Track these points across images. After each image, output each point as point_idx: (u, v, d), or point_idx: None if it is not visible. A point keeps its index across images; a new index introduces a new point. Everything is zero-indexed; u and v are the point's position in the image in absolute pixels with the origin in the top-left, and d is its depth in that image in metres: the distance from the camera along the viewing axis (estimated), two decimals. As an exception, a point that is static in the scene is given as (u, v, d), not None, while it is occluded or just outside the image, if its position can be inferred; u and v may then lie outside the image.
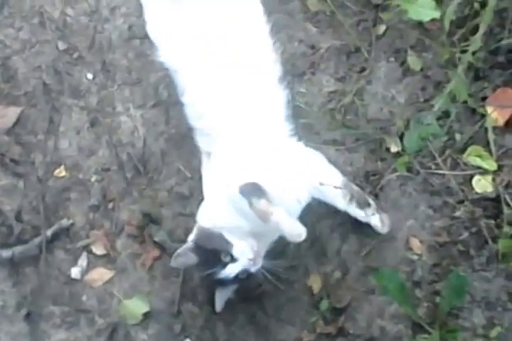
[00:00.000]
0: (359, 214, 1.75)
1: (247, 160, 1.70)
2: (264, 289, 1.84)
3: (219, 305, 1.79)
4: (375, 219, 1.75)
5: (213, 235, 1.68)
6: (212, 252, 1.66)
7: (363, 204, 1.73)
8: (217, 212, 1.70)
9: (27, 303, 1.91)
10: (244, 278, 1.71)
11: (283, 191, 1.66)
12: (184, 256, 1.69)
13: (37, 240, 1.94)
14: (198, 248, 1.68)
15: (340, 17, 1.86)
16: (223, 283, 1.71)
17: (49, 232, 1.94)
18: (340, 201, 1.72)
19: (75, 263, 1.95)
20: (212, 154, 1.75)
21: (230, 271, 1.66)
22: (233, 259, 1.66)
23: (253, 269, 1.68)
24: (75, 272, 1.94)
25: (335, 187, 1.69)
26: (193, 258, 1.68)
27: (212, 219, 1.71)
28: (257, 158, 1.70)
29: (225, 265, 1.66)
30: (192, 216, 1.88)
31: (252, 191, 1.60)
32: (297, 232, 1.57)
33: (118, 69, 1.99)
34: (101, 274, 1.94)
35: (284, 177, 1.69)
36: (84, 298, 1.93)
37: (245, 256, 1.66)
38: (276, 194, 1.62)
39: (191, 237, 1.72)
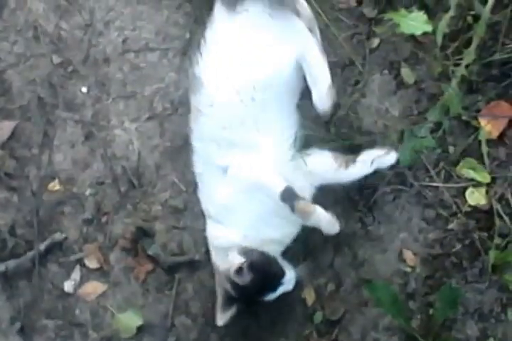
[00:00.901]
0: None
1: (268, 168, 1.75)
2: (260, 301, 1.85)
3: (224, 320, 1.81)
4: None
5: (270, 259, 1.75)
6: (268, 275, 1.73)
7: None
8: (252, 229, 1.77)
9: (20, 317, 1.95)
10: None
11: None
12: (244, 274, 1.73)
13: (30, 254, 1.98)
14: (254, 269, 1.72)
15: (334, 30, 1.90)
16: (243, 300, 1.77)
17: (42, 246, 1.98)
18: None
19: (68, 276, 1.99)
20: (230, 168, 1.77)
21: (277, 293, 1.75)
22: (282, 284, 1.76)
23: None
24: (68, 286, 1.98)
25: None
26: (247, 277, 1.73)
27: (250, 236, 1.77)
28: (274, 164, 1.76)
29: (275, 289, 1.74)
30: (186, 229, 1.95)
31: (291, 195, 1.70)
32: (334, 224, 1.75)
33: (112, 82, 2.03)
34: (94, 288, 1.98)
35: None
36: (77, 311, 1.97)
37: (291, 283, 1.77)
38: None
39: (236, 258, 1.75)
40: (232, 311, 1.80)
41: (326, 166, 1.80)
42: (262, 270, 1.72)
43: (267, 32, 1.70)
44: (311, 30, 1.76)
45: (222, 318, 1.80)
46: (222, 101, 1.71)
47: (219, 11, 1.74)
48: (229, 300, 1.79)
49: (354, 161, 1.78)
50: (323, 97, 1.75)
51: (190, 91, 1.79)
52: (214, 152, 1.75)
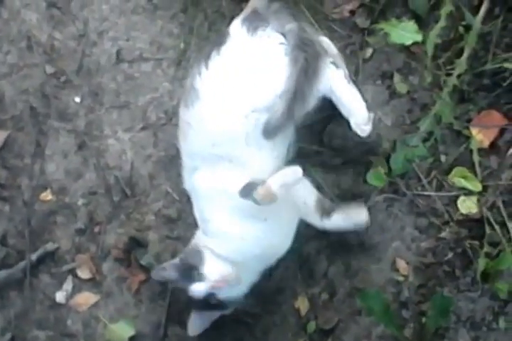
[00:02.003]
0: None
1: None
2: (251, 311, 1.93)
3: (192, 329, 1.87)
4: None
5: (194, 251, 1.78)
6: (190, 268, 1.76)
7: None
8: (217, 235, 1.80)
9: (11, 328, 2.00)
10: (221, 306, 1.80)
11: None
12: (168, 270, 1.79)
13: (22, 264, 2.03)
14: (182, 264, 1.78)
15: (328, 41, 1.98)
16: (198, 305, 1.80)
17: (34, 256, 2.02)
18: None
19: (60, 287, 2.04)
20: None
21: (196, 288, 1.75)
22: (202, 278, 1.75)
23: (221, 295, 1.76)
24: (59, 296, 2.03)
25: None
26: (173, 275, 1.78)
27: (205, 238, 1.81)
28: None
29: (194, 281, 1.75)
30: (179, 239, 2.00)
31: (249, 188, 1.67)
32: (295, 173, 1.69)
33: (106, 92, 2.07)
34: (86, 298, 2.02)
35: None
36: (69, 322, 2.02)
37: (212, 277, 1.74)
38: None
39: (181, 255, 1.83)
40: (201, 321, 1.86)
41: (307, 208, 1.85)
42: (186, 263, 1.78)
43: (280, 62, 1.71)
44: (337, 65, 1.78)
45: (191, 327, 1.88)
46: (215, 117, 1.72)
47: (237, 29, 1.75)
48: (197, 308, 1.84)
49: (331, 215, 1.84)
50: (361, 126, 1.77)
51: (183, 104, 1.79)
52: (200, 167, 1.78)
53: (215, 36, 1.90)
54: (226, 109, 1.70)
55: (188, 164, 1.81)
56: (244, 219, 1.75)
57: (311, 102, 1.73)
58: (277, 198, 1.67)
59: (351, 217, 1.85)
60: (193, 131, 1.75)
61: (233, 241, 1.77)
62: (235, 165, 1.73)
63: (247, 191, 1.67)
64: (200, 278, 1.74)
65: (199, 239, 1.82)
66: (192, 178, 1.79)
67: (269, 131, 1.69)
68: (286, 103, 1.66)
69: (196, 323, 1.86)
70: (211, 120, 1.71)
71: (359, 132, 1.78)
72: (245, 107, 1.69)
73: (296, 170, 1.69)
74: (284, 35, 1.71)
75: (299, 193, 1.82)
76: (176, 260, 1.81)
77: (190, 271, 1.75)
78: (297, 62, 1.67)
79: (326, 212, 1.84)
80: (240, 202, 1.70)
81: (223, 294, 1.77)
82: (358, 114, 1.77)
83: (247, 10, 1.78)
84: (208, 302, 1.77)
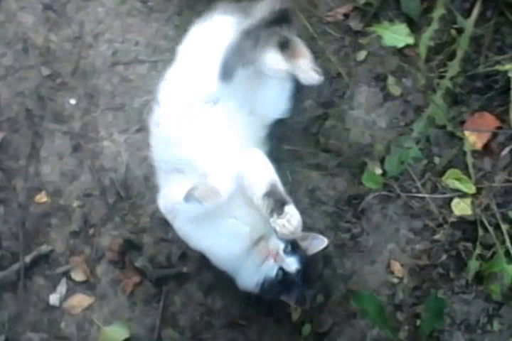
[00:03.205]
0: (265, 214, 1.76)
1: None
2: (246, 314, 2.00)
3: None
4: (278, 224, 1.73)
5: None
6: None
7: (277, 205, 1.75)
8: None
9: (5, 330, 2.03)
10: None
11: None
12: None
13: (16, 266, 2.06)
14: None
15: (322, 43, 2.06)
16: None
17: (28, 258, 2.06)
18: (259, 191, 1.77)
19: (54, 289, 2.08)
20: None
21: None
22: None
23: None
24: (53, 299, 2.07)
25: None
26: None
27: None
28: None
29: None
30: (174, 241, 2.04)
31: (191, 192, 1.74)
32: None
33: (101, 94, 2.15)
34: (80, 301, 2.07)
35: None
36: (63, 324, 2.06)
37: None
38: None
39: None
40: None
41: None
42: None
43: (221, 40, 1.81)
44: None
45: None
46: (167, 121, 1.84)
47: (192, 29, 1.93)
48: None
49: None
50: (310, 73, 1.86)
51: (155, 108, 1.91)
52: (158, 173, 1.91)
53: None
54: (177, 113, 1.84)
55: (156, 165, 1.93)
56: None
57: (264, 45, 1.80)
58: (223, 195, 1.74)
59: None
60: (152, 134, 1.90)
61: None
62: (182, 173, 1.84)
63: (189, 194, 1.74)
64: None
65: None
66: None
67: (222, 73, 1.77)
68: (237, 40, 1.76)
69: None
70: (163, 124, 1.85)
71: (310, 80, 1.86)
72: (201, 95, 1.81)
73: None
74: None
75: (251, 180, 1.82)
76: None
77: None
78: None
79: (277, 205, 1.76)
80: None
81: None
82: (304, 67, 1.86)
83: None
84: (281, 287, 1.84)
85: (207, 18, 1.89)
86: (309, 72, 1.85)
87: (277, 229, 1.70)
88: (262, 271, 1.81)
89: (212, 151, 1.81)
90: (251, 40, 1.76)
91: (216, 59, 1.76)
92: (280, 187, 1.76)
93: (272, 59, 1.80)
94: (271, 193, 1.74)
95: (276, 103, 1.93)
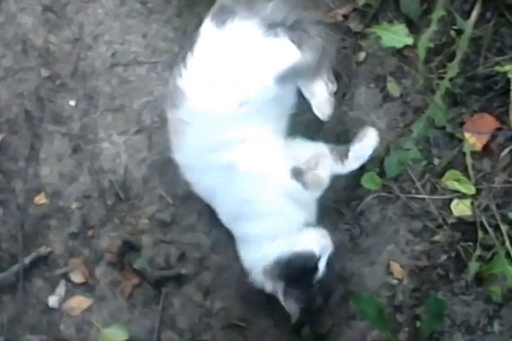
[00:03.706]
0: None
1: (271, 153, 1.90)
2: (245, 316, 2.03)
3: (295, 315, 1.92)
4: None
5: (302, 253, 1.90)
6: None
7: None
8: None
9: (4, 332, 2.06)
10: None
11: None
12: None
13: (15, 268, 2.09)
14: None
15: (322, 44, 2.09)
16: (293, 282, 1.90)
17: (27, 260, 2.09)
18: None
19: (52, 291, 2.10)
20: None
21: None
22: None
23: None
24: (52, 300, 2.10)
25: None
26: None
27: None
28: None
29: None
30: (173, 243, 2.07)
31: (299, 172, 1.88)
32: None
33: (101, 95, 2.16)
34: (79, 302, 2.09)
35: None
36: (62, 326, 2.09)
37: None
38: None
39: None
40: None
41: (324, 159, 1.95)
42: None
43: (255, 49, 1.81)
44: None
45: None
46: (207, 110, 1.82)
47: (208, 26, 1.85)
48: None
49: (347, 156, 1.94)
50: (322, 108, 1.92)
51: (170, 106, 1.87)
52: (210, 157, 1.85)
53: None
54: (213, 103, 1.81)
55: (195, 162, 1.89)
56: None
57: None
58: (324, 187, 1.90)
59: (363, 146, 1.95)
60: (190, 125, 1.85)
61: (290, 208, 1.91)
62: (243, 144, 1.85)
63: (297, 174, 1.87)
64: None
65: (272, 246, 1.91)
66: (210, 173, 1.88)
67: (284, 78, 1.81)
68: (316, 58, 1.81)
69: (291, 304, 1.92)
70: (202, 113, 1.82)
71: (320, 114, 1.92)
72: (232, 101, 1.80)
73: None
74: (269, 17, 1.81)
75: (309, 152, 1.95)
76: (278, 286, 1.89)
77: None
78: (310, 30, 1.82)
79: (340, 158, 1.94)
80: (284, 182, 1.87)
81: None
82: (321, 95, 1.91)
83: (215, 7, 1.87)
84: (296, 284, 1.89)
85: (224, 21, 1.86)
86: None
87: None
88: None
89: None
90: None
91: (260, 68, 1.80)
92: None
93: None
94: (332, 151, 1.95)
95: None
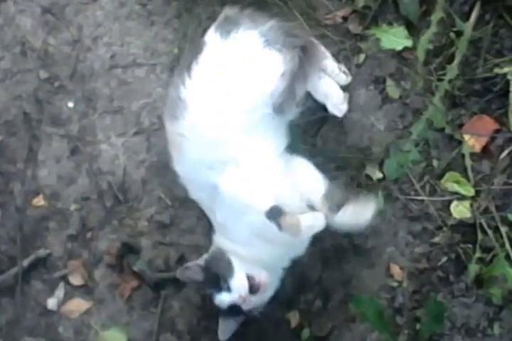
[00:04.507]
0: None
1: (258, 185, 1.86)
2: (244, 319, 2.00)
3: (222, 334, 1.94)
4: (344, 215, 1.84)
5: (223, 258, 1.87)
6: (217, 276, 1.86)
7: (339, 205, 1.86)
8: (238, 240, 1.89)
9: (2, 335, 2.07)
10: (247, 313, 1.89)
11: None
12: (192, 270, 1.89)
13: (13, 270, 2.10)
14: (207, 267, 1.88)
15: (321, 46, 2.09)
16: (224, 312, 1.89)
17: (25, 262, 2.10)
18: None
19: (51, 293, 2.11)
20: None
21: (222, 299, 1.85)
22: (229, 289, 1.85)
23: (244, 307, 1.85)
24: (51, 303, 2.10)
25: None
26: (199, 275, 1.89)
27: (231, 244, 1.90)
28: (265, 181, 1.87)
29: (220, 291, 1.85)
30: (172, 245, 2.08)
31: (277, 212, 1.79)
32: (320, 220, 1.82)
33: (99, 97, 2.17)
34: (78, 305, 2.10)
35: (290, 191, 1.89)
36: (60, 329, 2.09)
37: (238, 290, 1.84)
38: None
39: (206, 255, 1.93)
40: (229, 326, 1.94)
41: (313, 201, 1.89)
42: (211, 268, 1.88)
43: (257, 59, 1.84)
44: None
45: (222, 332, 1.94)
46: (207, 123, 1.82)
47: (212, 36, 1.88)
48: (223, 315, 1.92)
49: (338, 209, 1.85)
50: (339, 106, 1.99)
51: (169, 117, 1.88)
52: (204, 174, 1.85)
53: (192, 47, 2.00)
54: (218, 114, 1.81)
55: (192, 176, 1.90)
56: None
57: (309, 82, 1.92)
58: (300, 235, 1.80)
59: (357, 213, 1.85)
60: (189, 141, 1.85)
61: (259, 246, 1.87)
62: (235, 165, 1.84)
63: (274, 214, 1.79)
64: (228, 289, 1.84)
65: (223, 243, 1.91)
66: (204, 188, 1.88)
67: (276, 109, 1.83)
68: (286, 81, 1.82)
69: (225, 329, 1.94)
70: (205, 127, 1.82)
71: (336, 112, 1.98)
72: (238, 107, 1.81)
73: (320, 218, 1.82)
74: (266, 34, 1.84)
75: (307, 184, 1.90)
76: (201, 261, 1.90)
77: (217, 279, 1.85)
78: (291, 50, 1.84)
79: (334, 206, 1.85)
80: (259, 219, 1.81)
81: (249, 305, 1.87)
82: (334, 95, 1.96)
83: (220, 17, 1.91)
84: (233, 311, 1.87)
85: (229, 31, 1.88)
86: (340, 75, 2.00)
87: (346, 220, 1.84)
88: None
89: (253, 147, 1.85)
90: (300, 78, 1.86)
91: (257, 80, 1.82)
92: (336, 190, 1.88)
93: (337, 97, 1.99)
94: (328, 194, 1.86)
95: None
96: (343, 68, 2.01)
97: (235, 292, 1.83)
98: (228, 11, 1.91)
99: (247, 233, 1.85)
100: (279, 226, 1.78)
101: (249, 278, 1.85)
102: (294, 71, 1.83)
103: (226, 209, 1.87)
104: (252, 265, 1.86)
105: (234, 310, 1.86)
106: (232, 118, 1.81)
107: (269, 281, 1.87)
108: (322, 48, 1.99)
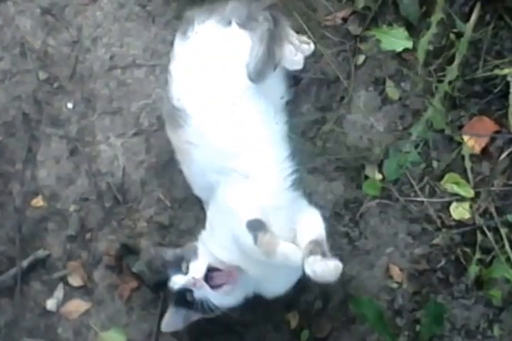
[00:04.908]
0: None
1: (254, 198, 1.83)
2: (244, 320, 2.01)
3: (166, 325, 1.90)
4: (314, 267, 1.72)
5: (193, 247, 1.87)
6: (182, 260, 1.85)
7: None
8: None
9: (1, 335, 2.05)
10: (197, 307, 1.82)
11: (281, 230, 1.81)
12: (166, 253, 1.91)
13: (12, 271, 2.09)
14: (179, 255, 1.87)
15: (321, 47, 2.06)
16: (175, 299, 1.86)
17: (25, 263, 2.09)
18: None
19: (50, 294, 2.10)
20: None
21: (175, 280, 1.82)
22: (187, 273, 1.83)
23: (196, 295, 1.80)
24: (50, 304, 2.09)
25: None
26: (168, 259, 1.89)
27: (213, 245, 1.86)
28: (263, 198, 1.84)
29: (178, 273, 1.83)
30: (171, 246, 2.04)
31: (258, 226, 1.74)
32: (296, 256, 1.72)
33: (98, 98, 2.16)
34: (77, 306, 2.09)
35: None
36: (60, 330, 2.08)
37: (193, 273, 1.81)
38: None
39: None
40: (175, 318, 1.89)
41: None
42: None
43: (226, 44, 1.86)
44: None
45: (165, 324, 1.91)
46: (212, 127, 1.83)
47: (176, 42, 1.94)
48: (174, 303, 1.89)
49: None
50: (293, 58, 1.94)
51: (171, 127, 1.90)
52: (212, 177, 1.86)
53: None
54: (214, 115, 1.82)
55: (199, 178, 1.91)
56: None
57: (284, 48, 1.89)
58: (273, 257, 1.71)
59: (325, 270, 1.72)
60: (198, 148, 1.85)
61: (237, 255, 1.83)
62: (241, 176, 1.83)
63: (254, 226, 1.74)
64: (185, 271, 1.83)
65: (207, 241, 1.88)
66: (209, 188, 1.88)
67: (253, 77, 1.81)
68: (265, 45, 1.81)
69: (170, 320, 1.89)
70: (214, 132, 1.83)
71: (294, 66, 1.94)
72: (226, 104, 1.82)
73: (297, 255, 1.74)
74: (228, 16, 1.87)
75: (305, 222, 1.85)
76: (178, 250, 1.90)
77: (181, 263, 1.84)
78: (259, 16, 1.86)
79: (318, 254, 1.73)
80: (239, 227, 1.76)
81: (202, 295, 1.82)
82: (286, 51, 1.91)
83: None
84: (186, 300, 1.82)
85: (186, 31, 1.91)
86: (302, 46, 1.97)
87: (311, 270, 1.70)
88: None
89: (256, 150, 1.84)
90: (276, 41, 1.83)
91: (236, 63, 1.82)
92: (325, 244, 1.78)
93: (289, 52, 1.92)
94: (317, 242, 1.76)
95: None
96: (303, 38, 1.99)
97: (189, 274, 1.81)
98: (187, 13, 1.95)
99: (228, 238, 1.82)
100: (255, 239, 1.72)
101: (213, 269, 1.81)
102: (271, 30, 1.83)
103: (216, 209, 1.87)
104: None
105: (185, 298, 1.82)
106: (234, 115, 1.82)
107: (237, 286, 1.83)
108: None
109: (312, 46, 2.00)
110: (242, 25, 1.86)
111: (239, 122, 1.83)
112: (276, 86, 1.93)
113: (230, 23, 1.86)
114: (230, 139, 1.83)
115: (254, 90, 1.83)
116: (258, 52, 1.80)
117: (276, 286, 1.89)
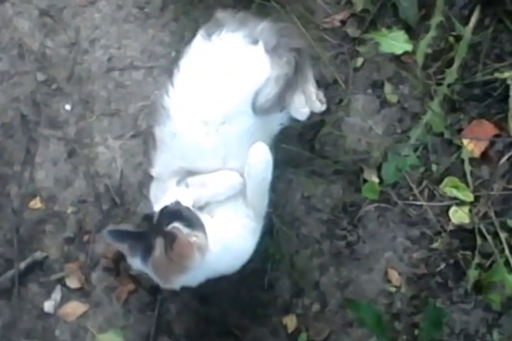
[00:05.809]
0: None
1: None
2: (241, 324, 1.98)
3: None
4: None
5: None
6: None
7: None
8: None
9: None
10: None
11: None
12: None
13: (10, 273, 2.06)
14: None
15: (319, 50, 2.03)
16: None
17: (22, 265, 2.06)
18: None
19: (48, 296, 2.07)
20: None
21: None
22: None
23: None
24: (48, 306, 2.06)
25: None
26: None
27: None
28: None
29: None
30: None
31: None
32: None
33: (97, 100, 2.13)
34: (75, 308, 2.06)
35: None
36: (57, 332, 2.05)
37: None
38: None
39: None
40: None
41: None
42: None
43: (240, 60, 1.79)
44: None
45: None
46: (186, 131, 1.78)
47: (197, 39, 1.84)
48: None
49: None
50: (300, 109, 1.88)
51: (156, 123, 1.84)
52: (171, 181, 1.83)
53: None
54: (195, 123, 1.76)
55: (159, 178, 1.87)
56: None
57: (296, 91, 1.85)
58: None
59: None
60: (165, 146, 1.81)
61: None
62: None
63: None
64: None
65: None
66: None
67: (257, 111, 1.76)
68: (279, 88, 1.76)
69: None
70: (184, 135, 1.77)
71: (299, 116, 1.88)
72: (216, 118, 1.75)
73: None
74: (258, 35, 1.79)
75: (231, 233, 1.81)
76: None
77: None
78: (287, 53, 1.78)
79: None
80: None
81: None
82: (296, 99, 1.85)
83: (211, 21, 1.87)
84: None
85: (211, 33, 1.83)
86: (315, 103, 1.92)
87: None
88: None
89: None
90: (291, 88, 1.80)
91: (246, 83, 1.76)
92: None
93: (299, 102, 1.88)
94: None
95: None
96: (321, 96, 1.94)
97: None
98: (219, 14, 1.86)
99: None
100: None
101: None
102: (289, 75, 1.78)
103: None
104: None
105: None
106: (212, 128, 1.76)
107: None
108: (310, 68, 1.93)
109: (324, 107, 1.94)
110: (267, 51, 1.79)
111: (217, 142, 1.77)
112: (278, 115, 1.86)
113: (256, 42, 1.79)
114: (198, 150, 1.78)
115: (252, 117, 1.78)
116: (270, 93, 1.76)
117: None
